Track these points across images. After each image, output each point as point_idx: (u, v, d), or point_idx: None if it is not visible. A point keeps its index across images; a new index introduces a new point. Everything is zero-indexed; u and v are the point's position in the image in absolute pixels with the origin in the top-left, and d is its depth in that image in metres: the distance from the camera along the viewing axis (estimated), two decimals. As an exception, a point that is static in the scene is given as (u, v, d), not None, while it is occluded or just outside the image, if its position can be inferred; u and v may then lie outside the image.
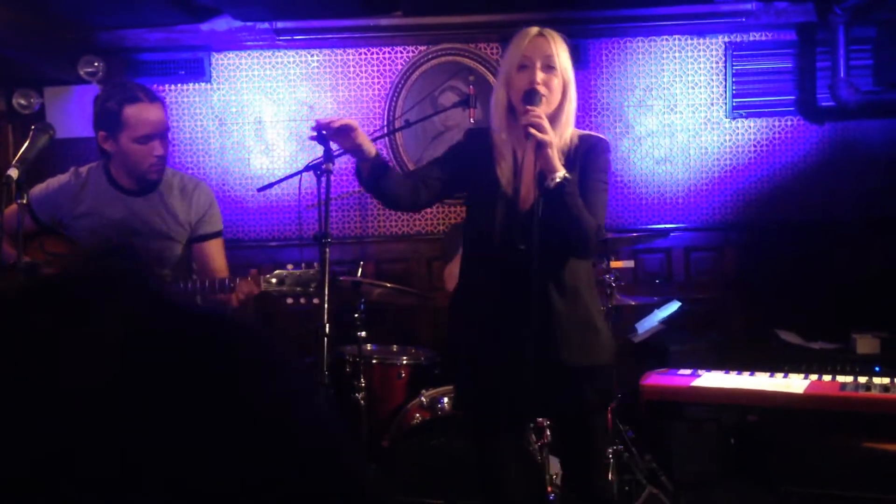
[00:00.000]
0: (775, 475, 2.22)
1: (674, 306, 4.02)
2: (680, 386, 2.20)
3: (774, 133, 4.90)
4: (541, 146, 2.30)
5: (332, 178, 3.67)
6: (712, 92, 4.89)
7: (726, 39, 4.86)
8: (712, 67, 4.88)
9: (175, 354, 0.43)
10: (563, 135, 2.46)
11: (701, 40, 4.87)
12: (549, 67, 2.42)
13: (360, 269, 3.91)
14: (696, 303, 4.60)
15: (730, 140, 4.91)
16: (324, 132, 2.52)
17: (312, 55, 4.92)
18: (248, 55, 4.92)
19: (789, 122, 4.90)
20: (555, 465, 3.55)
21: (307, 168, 3.79)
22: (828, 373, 2.36)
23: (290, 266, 2.93)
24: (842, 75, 4.60)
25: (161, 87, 4.92)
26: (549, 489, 3.29)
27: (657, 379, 2.25)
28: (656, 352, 4.20)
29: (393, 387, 3.77)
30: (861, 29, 4.69)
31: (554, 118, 2.42)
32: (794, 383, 2.10)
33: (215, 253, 3.20)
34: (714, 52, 4.87)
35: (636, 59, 4.89)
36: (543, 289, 2.37)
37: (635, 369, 4.16)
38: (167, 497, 0.39)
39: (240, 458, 0.41)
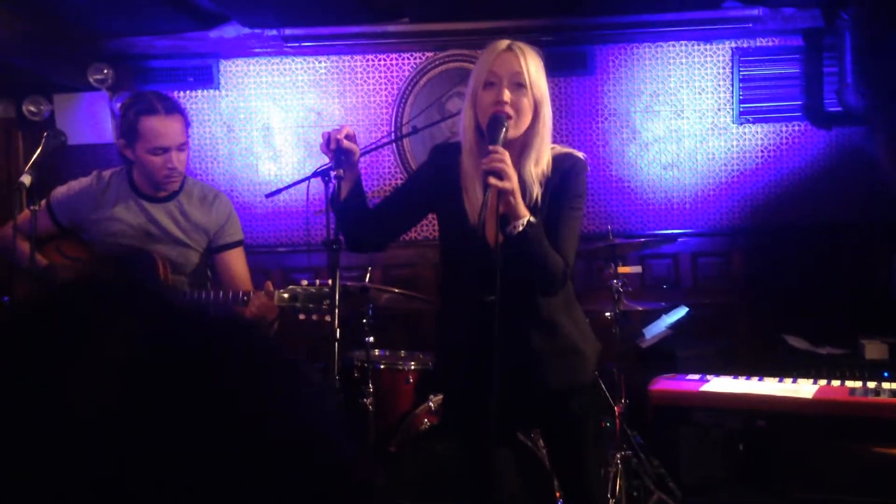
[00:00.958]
0: (783, 481, 2.22)
1: (681, 312, 4.02)
2: (689, 391, 2.20)
3: (781, 138, 4.90)
4: (503, 193, 2.14)
5: (334, 184, 3.71)
6: (719, 97, 4.90)
7: (733, 45, 4.86)
8: (719, 73, 4.88)
9: (184, 363, 0.43)
10: (539, 159, 2.30)
11: (708, 46, 4.87)
12: (518, 85, 2.24)
13: (368, 275, 3.92)
14: (703, 308, 4.60)
15: (737, 145, 4.91)
16: (332, 146, 2.43)
17: (320, 62, 4.94)
18: (257, 62, 4.95)
19: (796, 128, 4.90)
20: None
21: (315, 174, 3.81)
22: (836, 378, 2.36)
23: (304, 282, 2.94)
24: (849, 81, 4.60)
25: (170, 94, 4.94)
26: (558, 494, 3.29)
27: (666, 384, 2.25)
28: (664, 357, 4.20)
29: (401, 392, 3.77)
30: (868, 34, 4.68)
31: (526, 140, 2.28)
32: (803, 388, 2.10)
33: (238, 263, 3.21)
34: (721, 58, 4.87)
35: (643, 65, 4.90)
36: (517, 327, 2.29)
37: (643, 374, 4.16)
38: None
39: (250, 465, 0.42)
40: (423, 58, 4.92)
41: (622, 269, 3.86)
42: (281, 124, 4.98)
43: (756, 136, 4.90)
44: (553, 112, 4.95)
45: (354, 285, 3.69)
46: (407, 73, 4.93)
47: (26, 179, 2.47)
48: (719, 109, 4.90)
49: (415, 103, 4.92)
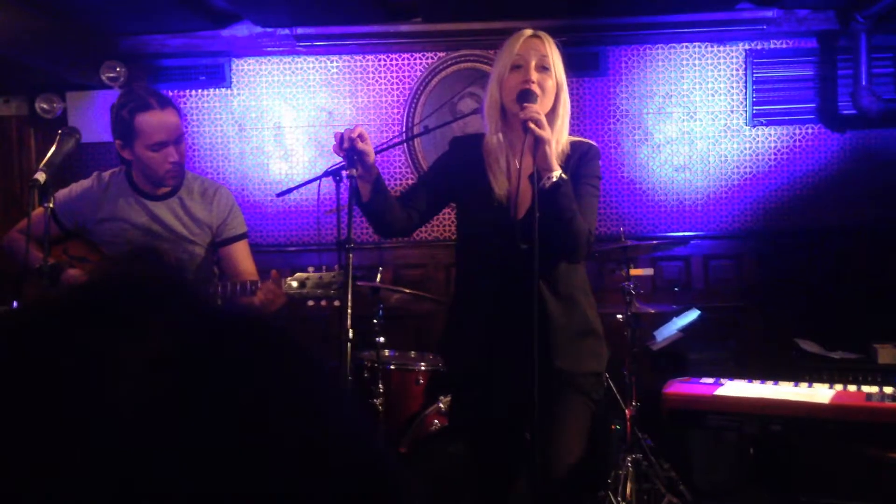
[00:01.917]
0: (797, 485, 2.20)
1: (693, 314, 4.00)
2: (703, 394, 2.19)
3: (795, 141, 4.88)
4: (539, 142, 2.24)
5: (345, 184, 3.70)
6: (732, 99, 4.87)
7: (747, 47, 4.84)
8: (732, 75, 4.86)
9: (217, 359, 0.43)
10: (558, 139, 2.40)
11: (721, 48, 4.85)
12: (544, 68, 2.37)
13: (378, 275, 3.91)
14: (715, 311, 4.58)
15: (750, 148, 4.89)
16: (346, 145, 2.47)
17: (332, 61, 4.94)
18: (269, 61, 4.95)
19: (810, 130, 4.87)
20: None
21: (326, 173, 3.81)
22: (850, 383, 2.33)
23: (310, 269, 2.93)
24: (863, 83, 4.57)
25: (182, 93, 4.95)
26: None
27: (680, 387, 2.24)
28: (675, 360, 4.18)
29: (411, 393, 3.76)
30: (883, 37, 4.66)
31: (548, 120, 2.35)
32: (820, 393, 2.08)
33: (242, 255, 3.21)
34: (734, 60, 4.85)
35: (656, 67, 4.88)
36: (539, 293, 2.32)
37: (654, 378, 4.14)
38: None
39: (283, 464, 0.41)
40: (436, 58, 4.91)
41: (634, 272, 3.84)
42: (292, 123, 4.98)
43: (769, 139, 4.88)
44: (565, 113, 4.94)
45: (365, 285, 3.68)
46: (419, 73, 4.92)
47: (40, 177, 2.47)
48: (732, 111, 4.88)
49: (426, 103, 4.91)
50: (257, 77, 4.97)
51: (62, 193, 3.08)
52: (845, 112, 4.77)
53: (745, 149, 4.89)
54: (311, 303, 2.89)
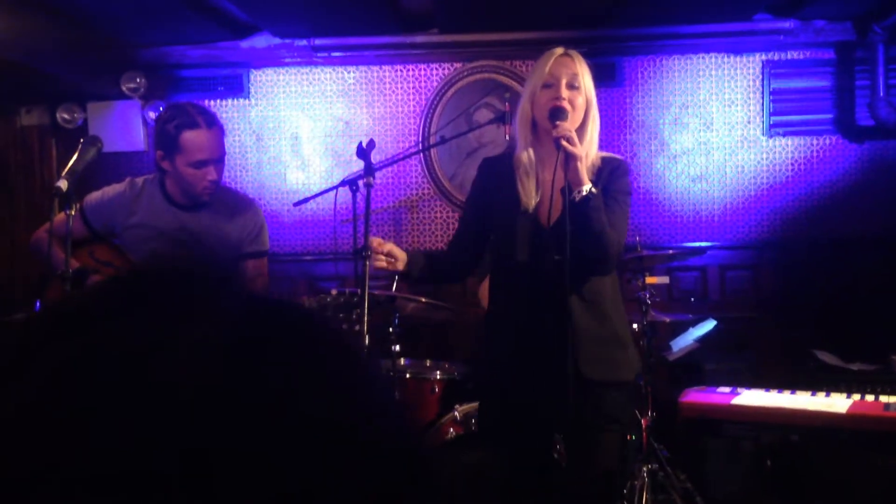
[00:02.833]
0: (814, 495, 2.19)
1: (709, 325, 3.99)
2: (719, 404, 2.18)
3: (812, 152, 4.86)
4: (570, 158, 2.33)
5: (361, 193, 3.73)
6: (749, 110, 4.87)
7: (764, 57, 4.83)
8: (749, 85, 4.85)
9: (269, 351, 0.45)
10: (588, 154, 2.48)
11: (738, 58, 4.85)
12: (574, 86, 2.46)
13: (394, 284, 3.92)
14: (731, 322, 4.56)
15: (767, 158, 4.87)
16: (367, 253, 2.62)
17: (349, 72, 4.97)
18: (286, 72, 4.99)
19: (827, 141, 4.85)
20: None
21: (343, 183, 3.84)
22: (867, 394, 2.32)
23: (333, 291, 2.95)
24: (881, 94, 4.56)
25: (200, 103, 4.99)
26: None
27: (696, 396, 2.23)
28: (691, 370, 4.16)
29: (426, 401, 3.76)
30: (901, 48, 4.65)
31: (578, 136, 2.43)
32: (837, 403, 2.07)
33: (258, 272, 3.24)
34: (751, 70, 4.85)
35: (672, 77, 4.88)
36: (569, 303, 2.39)
37: (670, 388, 4.13)
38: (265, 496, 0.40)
39: (331, 451, 0.43)
40: (452, 68, 4.93)
41: (650, 280, 3.84)
42: (309, 133, 5.02)
43: (786, 150, 4.87)
44: (581, 123, 4.94)
45: (382, 294, 3.69)
46: (435, 84, 4.95)
47: (62, 184, 2.51)
48: (749, 122, 4.87)
49: (443, 113, 4.93)
50: (275, 87, 5.01)
51: (94, 196, 3.12)
52: (863, 123, 4.76)
53: (762, 159, 4.88)
54: None
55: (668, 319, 3.83)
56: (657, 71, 4.89)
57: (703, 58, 4.86)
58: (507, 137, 4.56)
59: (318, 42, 4.68)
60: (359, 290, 2.92)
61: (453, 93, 4.93)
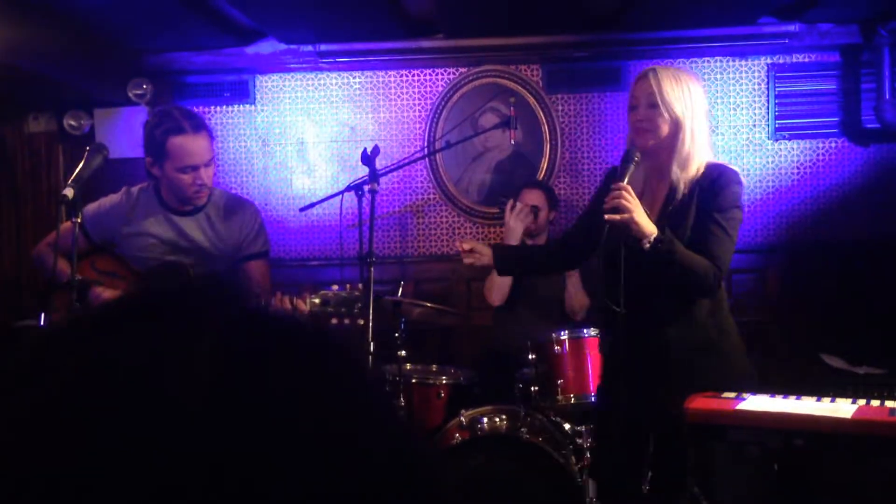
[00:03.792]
0: (821, 501, 2.19)
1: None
2: (724, 409, 2.18)
3: (818, 155, 4.86)
4: (624, 222, 2.42)
5: (367, 198, 3.74)
6: (755, 113, 4.86)
7: (769, 61, 4.83)
8: (755, 89, 4.85)
9: (270, 365, 0.46)
10: (684, 164, 2.52)
11: (743, 62, 4.85)
12: (651, 105, 2.53)
13: (400, 289, 3.93)
14: (738, 326, 4.53)
15: (772, 162, 4.87)
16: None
17: (354, 77, 4.99)
18: (292, 77, 5.01)
19: (833, 144, 4.85)
20: (593, 488, 3.53)
21: (348, 188, 3.86)
22: (875, 398, 2.32)
23: (334, 287, 2.96)
24: (887, 97, 4.55)
25: (206, 109, 5.02)
26: None
27: (701, 401, 2.23)
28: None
29: (432, 406, 3.77)
30: (906, 50, 4.64)
31: (671, 148, 2.52)
32: (842, 408, 2.07)
33: (258, 273, 3.25)
34: (756, 74, 4.84)
35: (677, 81, 4.88)
36: (655, 331, 2.53)
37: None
38: None
39: (331, 466, 0.44)
40: (457, 73, 4.94)
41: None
42: (315, 139, 5.03)
43: (792, 153, 4.86)
44: (585, 127, 4.95)
45: (387, 299, 3.70)
46: (440, 89, 4.95)
47: (69, 192, 2.52)
48: (755, 125, 4.87)
49: (448, 118, 4.94)
50: (281, 93, 5.02)
51: (91, 207, 3.13)
52: (869, 126, 4.75)
53: (768, 163, 4.87)
54: (334, 320, 2.92)
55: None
56: (662, 75, 4.88)
57: (707, 61, 4.86)
58: (512, 142, 4.57)
59: (323, 48, 4.69)
60: (360, 285, 2.94)
61: (458, 97, 4.94)
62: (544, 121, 4.89)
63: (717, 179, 2.53)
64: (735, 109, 4.87)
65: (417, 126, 4.98)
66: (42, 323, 3.21)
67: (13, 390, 0.44)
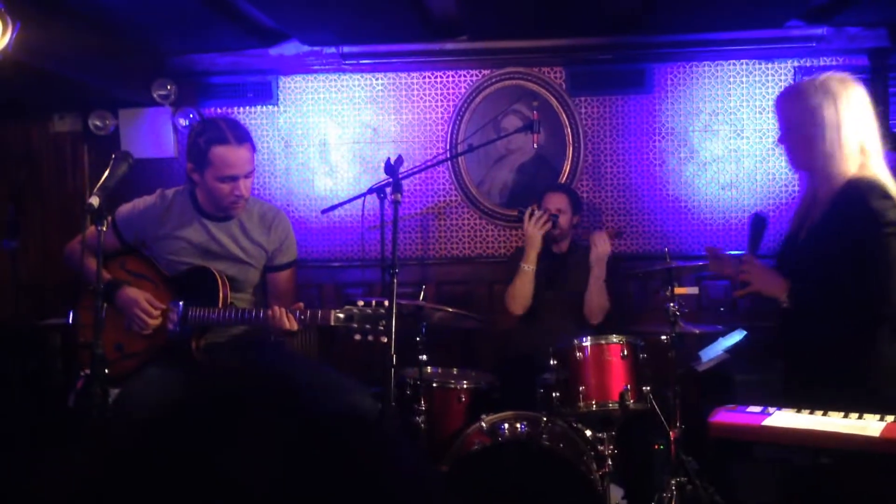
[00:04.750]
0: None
1: (739, 335, 3.94)
2: (749, 425, 2.16)
3: (845, 159, 4.79)
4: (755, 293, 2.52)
5: (389, 200, 3.73)
6: (780, 117, 4.80)
7: (796, 64, 4.77)
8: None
9: (329, 447, 0.49)
10: (827, 176, 2.49)
11: (770, 65, 4.79)
12: (780, 124, 2.63)
13: (422, 293, 3.92)
14: (762, 332, 4.50)
15: (798, 166, 4.81)
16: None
17: (377, 78, 4.98)
18: (315, 78, 5.01)
19: (861, 149, 4.77)
20: (616, 495, 3.51)
21: (371, 191, 3.85)
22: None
23: (360, 302, 2.96)
24: (916, 101, 4.48)
25: (229, 110, 5.03)
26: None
27: (726, 416, 2.21)
28: (721, 381, 4.12)
29: (452, 411, 3.76)
30: (936, 54, 4.57)
31: (807, 164, 2.56)
32: (871, 426, 2.04)
33: (286, 282, 3.27)
34: (783, 77, 4.79)
35: (702, 84, 4.84)
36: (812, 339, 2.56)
37: (699, 399, 4.09)
38: None
39: None
40: (480, 75, 4.92)
41: (678, 290, 3.80)
42: (337, 140, 5.03)
43: (818, 157, 4.80)
44: (608, 130, 4.91)
45: (409, 304, 3.69)
46: (463, 91, 4.94)
47: (94, 201, 2.54)
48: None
49: (471, 120, 4.92)
50: (303, 94, 5.03)
51: (125, 208, 3.16)
52: (896, 130, 4.68)
53: (794, 167, 4.81)
54: (357, 337, 2.93)
55: (697, 331, 3.79)
56: (687, 77, 4.84)
57: (734, 64, 4.81)
58: (535, 145, 4.55)
59: (346, 49, 4.69)
60: (385, 301, 2.93)
61: (481, 99, 4.92)
62: (567, 123, 4.86)
63: (852, 199, 2.45)
64: (761, 113, 4.82)
65: (440, 128, 4.96)
66: (69, 321, 3.24)
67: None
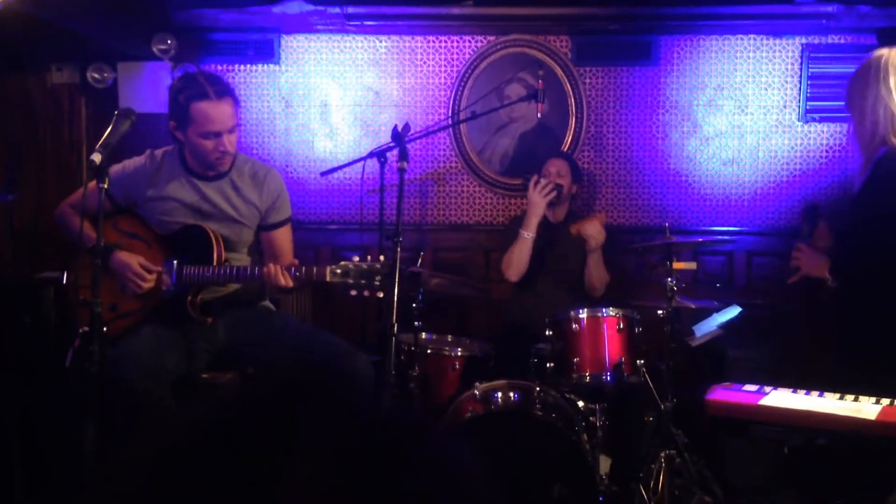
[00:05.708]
0: (837, 494, 2.18)
1: (734, 311, 3.95)
2: (746, 403, 2.17)
3: (848, 138, 4.77)
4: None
5: (389, 165, 3.71)
6: (786, 94, 4.78)
7: (804, 41, 4.73)
8: (787, 69, 4.76)
9: (387, 458, 0.51)
10: (866, 147, 2.68)
11: (777, 41, 4.75)
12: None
13: (419, 259, 3.92)
14: (756, 308, 4.51)
15: (801, 144, 4.80)
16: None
17: (381, 41, 4.92)
18: (318, 38, 4.95)
19: (864, 129, 4.75)
20: (605, 465, 3.54)
21: (371, 154, 3.83)
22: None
23: (355, 258, 2.95)
24: (923, 83, 4.45)
25: (230, 67, 4.97)
26: (601, 489, 3.29)
27: (723, 394, 2.22)
28: (713, 357, 4.14)
29: (446, 378, 3.77)
30: (946, 35, 4.53)
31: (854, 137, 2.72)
32: (866, 409, 2.05)
33: (282, 240, 3.25)
34: (790, 54, 4.75)
35: (708, 58, 4.80)
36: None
37: (691, 374, 4.12)
38: None
39: None
40: (485, 41, 4.87)
41: (676, 265, 3.79)
42: (339, 102, 4.99)
43: (822, 136, 4.78)
44: (612, 101, 4.87)
45: (406, 269, 3.69)
46: (467, 56, 4.89)
47: (96, 158, 2.51)
48: (785, 106, 4.79)
49: (474, 87, 4.87)
50: (306, 54, 4.97)
51: (115, 169, 3.12)
52: (902, 111, 4.65)
53: (797, 145, 4.80)
54: (353, 292, 2.92)
55: (692, 305, 3.80)
56: (693, 51, 4.80)
57: (741, 39, 4.77)
58: (539, 115, 4.52)
59: (350, 10, 4.63)
60: (381, 256, 2.93)
61: (486, 66, 4.87)
62: (571, 93, 4.82)
63: (887, 166, 2.67)
64: (766, 89, 4.79)
65: (442, 93, 4.92)
66: (63, 281, 3.22)
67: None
